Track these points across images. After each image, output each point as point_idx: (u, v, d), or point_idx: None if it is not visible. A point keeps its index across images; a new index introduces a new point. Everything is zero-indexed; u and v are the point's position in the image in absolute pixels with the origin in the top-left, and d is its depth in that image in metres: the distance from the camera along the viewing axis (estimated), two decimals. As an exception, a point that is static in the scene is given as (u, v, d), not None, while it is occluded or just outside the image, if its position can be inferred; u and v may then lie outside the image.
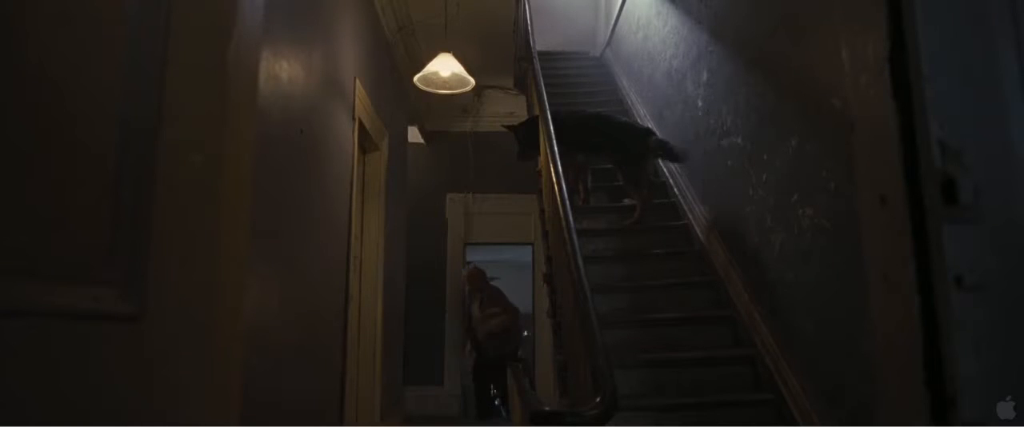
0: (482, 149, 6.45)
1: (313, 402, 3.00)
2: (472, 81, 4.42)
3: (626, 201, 3.92)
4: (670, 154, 3.76)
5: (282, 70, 2.48)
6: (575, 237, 2.43)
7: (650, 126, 4.37)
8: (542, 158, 3.55)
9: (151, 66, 0.90)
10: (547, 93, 3.61)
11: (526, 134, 3.83)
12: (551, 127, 3.19)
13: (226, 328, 0.96)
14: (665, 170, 4.27)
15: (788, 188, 2.57)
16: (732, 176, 3.18)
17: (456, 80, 4.38)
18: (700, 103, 3.68)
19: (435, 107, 6.46)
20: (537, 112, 3.74)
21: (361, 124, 3.87)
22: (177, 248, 0.90)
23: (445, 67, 4.30)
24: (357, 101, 3.75)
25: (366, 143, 4.24)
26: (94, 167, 0.87)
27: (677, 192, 4.05)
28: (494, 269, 9.10)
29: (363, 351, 3.99)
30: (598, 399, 1.67)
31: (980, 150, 0.85)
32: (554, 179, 2.87)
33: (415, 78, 4.41)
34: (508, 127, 3.99)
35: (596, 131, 3.84)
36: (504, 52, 5.44)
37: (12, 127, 0.81)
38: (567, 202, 2.64)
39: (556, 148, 3.05)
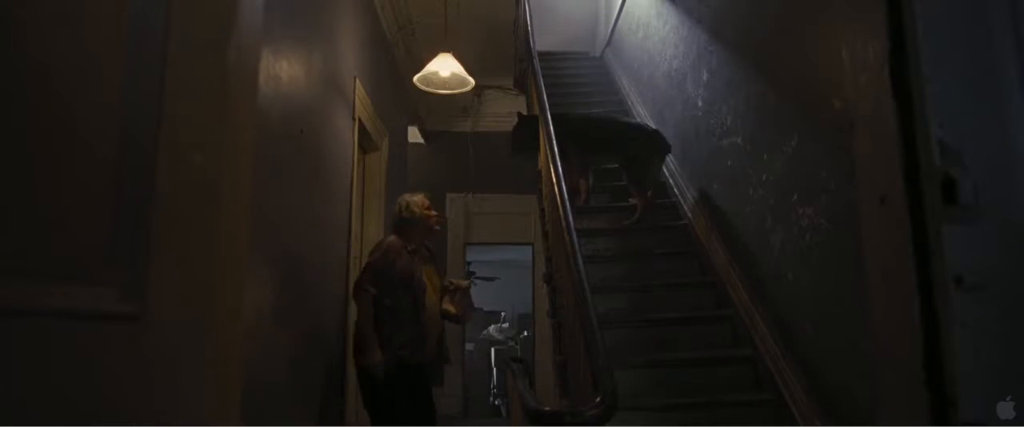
0: (482, 149, 6.45)
1: (313, 401, 2.99)
2: (472, 81, 4.42)
3: (631, 201, 3.92)
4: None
5: (282, 70, 2.48)
6: (575, 237, 2.43)
7: (656, 127, 4.37)
8: (542, 158, 3.56)
9: (151, 66, 0.90)
10: (547, 93, 3.62)
11: (526, 133, 3.83)
12: (551, 127, 3.19)
13: (226, 328, 0.96)
14: (665, 170, 4.27)
15: (788, 188, 2.57)
16: (732, 176, 3.18)
17: (456, 80, 4.38)
18: (700, 103, 3.68)
19: (435, 107, 6.46)
20: (537, 112, 3.75)
21: (361, 124, 3.87)
22: (177, 248, 0.90)
23: (445, 67, 4.30)
24: (357, 101, 3.75)
25: (366, 143, 4.24)
26: (94, 167, 0.87)
27: (677, 192, 4.05)
28: (494, 269, 9.12)
29: (363, 351, 3.98)
30: (598, 399, 1.67)
31: (980, 150, 0.85)
32: (554, 179, 2.87)
33: (415, 78, 4.42)
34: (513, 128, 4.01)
35: (604, 132, 3.86)
36: (504, 52, 5.44)
37: (13, 127, 0.81)
38: (567, 202, 2.64)
39: (557, 148, 3.06)
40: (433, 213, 3.37)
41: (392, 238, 3.26)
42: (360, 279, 3.15)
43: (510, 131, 3.98)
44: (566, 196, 2.69)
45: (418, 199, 3.36)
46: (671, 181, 4.18)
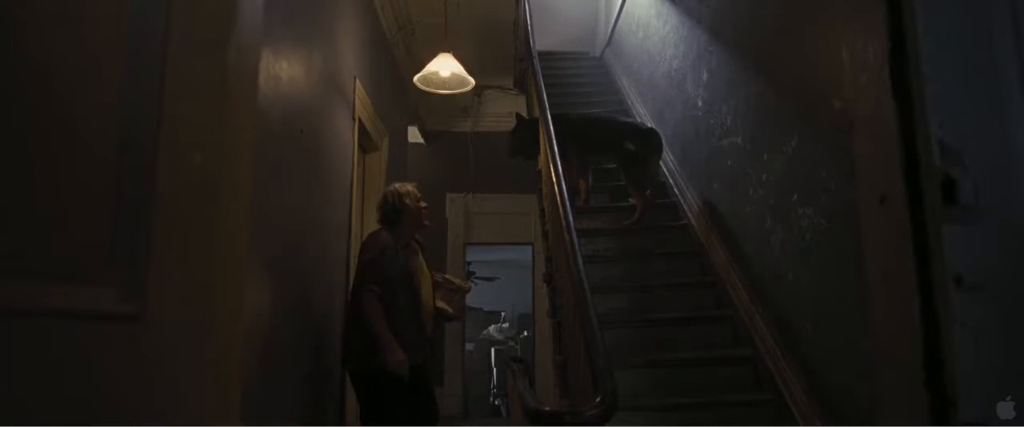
0: (482, 149, 6.45)
1: (313, 401, 2.99)
2: (472, 81, 4.43)
3: (631, 201, 3.93)
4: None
5: (282, 70, 2.48)
6: (575, 237, 2.43)
7: (652, 127, 4.37)
8: (542, 158, 3.56)
9: (151, 66, 0.90)
10: (547, 93, 3.62)
11: (524, 135, 3.85)
12: (551, 127, 3.19)
13: (226, 328, 0.96)
14: (665, 170, 4.27)
15: (788, 188, 2.57)
16: (732, 176, 3.18)
17: (456, 80, 4.38)
18: (700, 103, 3.68)
19: (435, 107, 6.46)
20: (537, 113, 3.75)
21: (361, 124, 3.87)
22: (177, 248, 0.89)
23: (445, 67, 4.30)
24: (357, 101, 3.75)
25: (366, 143, 4.24)
26: (94, 167, 0.87)
27: (677, 192, 4.05)
28: (494, 269, 9.12)
29: (363, 351, 3.98)
30: (598, 399, 1.67)
31: (980, 150, 0.85)
32: (554, 179, 2.87)
33: (415, 78, 4.42)
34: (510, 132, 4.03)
35: (603, 132, 3.87)
36: (504, 52, 5.44)
37: (13, 127, 0.81)
38: (567, 202, 2.64)
39: (556, 148, 3.06)
40: (424, 205, 3.18)
41: (384, 234, 3.04)
42: (362, 279, 2.94)
43: (508, 132, 4.00)
44: (566, 196, 2.69)
45: (410, 189, 3.15)
46: (671, 181, 4.18)
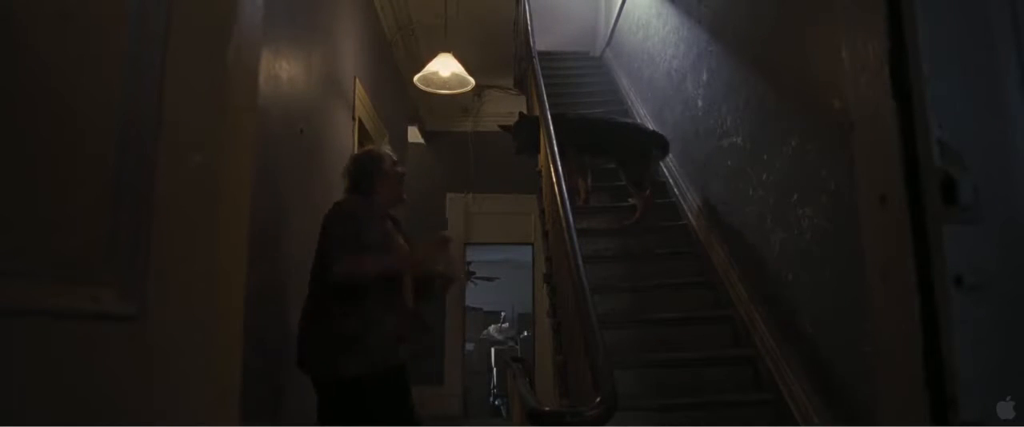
0: (482, 149, 6.45)
1: (313, 402, 2.99)
2: (472, 81, 4.43)
3: (630, 201, 3.93)
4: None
5: (282, 70, 2.48)
6: (575, 237, 2.43)
7: (655, 129, 4.37)
8: (542, 158, 3.56)
9: (151, 66, 0.90)
10: (547, 93, 3.62)
11: (527, 132, 3.85)
12: (551, 127, 3.19)
13: (226, 328, 0.96)
14: (665, 170, 4.27)
15: (788, 188, 2.57)
16: (732, 176, 3.18)
17: (456, 80, 4.39)
18: (700, 103, 3.68)
19: (435, 107, 6.46)
20: (537, 112, 3.75)
21: (361, 124, 3.87)
22: (177, 248, 0.89)
23: (445, 67, 4.30)
24: (357, 101, 3.75)
25: (366, 143, 4.24)
26: (94, 167, 0.87)
27: (677, 192, 4.05)
28: (494, 269, 9.12)
29: (363, 351, 3.98)
30: (598, 399, 1.67)
31: (980, 150, 0.85)
32: (554, 179, 2.87)
33: (415, 78, 4.42)
34: (504, 127, 4.02)
35: (602, 132, 3.87)
36: (504, 52, 5.44)
37: (12, 127, 0.81)
38: (567, 202, 2.64)
39: (557, 148, 3.06)
40: (402, 170, 2.56)
41: (356, 198, 2.43)
42: (339, 253, 2.25)
43: (512, 126, 3.98)
44: (566, 196, 2.69)
45: (386, 151, 2.54)
46: (671, 181, 4.18)
